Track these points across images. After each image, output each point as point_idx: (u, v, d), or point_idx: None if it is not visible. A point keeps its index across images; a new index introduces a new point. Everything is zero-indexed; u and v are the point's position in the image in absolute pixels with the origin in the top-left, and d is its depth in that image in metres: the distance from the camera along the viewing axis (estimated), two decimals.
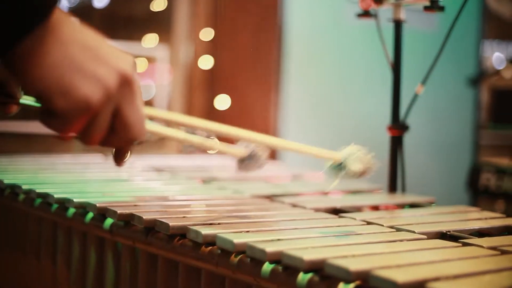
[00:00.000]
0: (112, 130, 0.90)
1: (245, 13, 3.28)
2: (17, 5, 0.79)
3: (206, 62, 3.34)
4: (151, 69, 3.32)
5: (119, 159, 0.99)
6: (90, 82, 0.84)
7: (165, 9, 3.34)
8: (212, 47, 3.35)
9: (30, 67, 0.82)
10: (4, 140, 3.05)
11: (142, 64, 3.29)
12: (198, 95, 3.37)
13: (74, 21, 0.86)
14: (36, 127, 2.85)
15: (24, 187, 1.44)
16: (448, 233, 1.13)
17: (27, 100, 0.98)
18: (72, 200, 1.29)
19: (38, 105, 0.86)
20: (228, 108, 3.31)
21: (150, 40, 3.32)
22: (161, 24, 3.38)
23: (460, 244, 1.04)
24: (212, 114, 3.31)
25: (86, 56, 0.85)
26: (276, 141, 1.17)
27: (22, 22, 0.79)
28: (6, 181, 1.49)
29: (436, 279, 0.81)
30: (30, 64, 0.81)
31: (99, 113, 0.87)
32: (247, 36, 3.28)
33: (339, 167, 1.15)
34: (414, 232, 1.11)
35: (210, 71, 3.35)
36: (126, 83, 0.88)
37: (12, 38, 0.80)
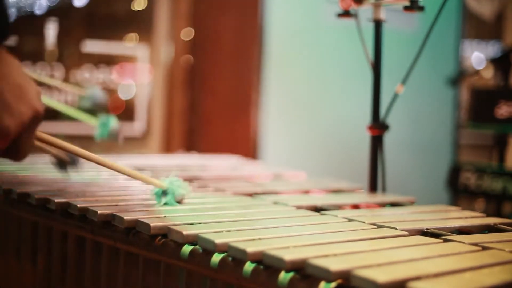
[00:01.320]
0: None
1: (226, 13, 3.28)
2: None
3: (187, 61, 3.34)
4: (131, 69, 3.31)
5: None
6: (12, 116, 1.02)
7: (145, 8, 3.33)
8: (192, 47, 3.35)
9: None
10: None
11: (122, 63, 3.28)
12: (178, 94, 3.37)
13: (10, 58, 1.03)
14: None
15: (4, 187, 1.43)
16: (429, 230, 1.13)
17: None
18: (53, 200, 1.29)
19: None
20: (208, 108, 3.31)
21: (131, 39, 3.31)
22: (141, 23, 3.37)
23: (441, 241, 1.04)
24: (192, 113, 3.31)
25: (13, 94, 1.02)
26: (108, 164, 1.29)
27: None
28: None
29: (417, 278, 0.81)
30: None
31: (10, 140, 1.04)
32: (227, 36, 3.28)
33: (164, 192, 1.29)
34: (395, 229, 1.11)
35: (191, 70, 3.35)
36: (36, 119, 1.06)
37: None
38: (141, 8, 3.33)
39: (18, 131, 1.04)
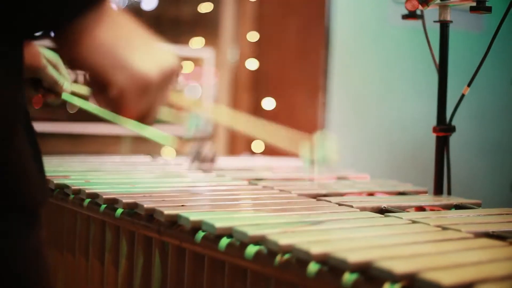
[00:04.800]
0: None
1: (291, 15, 3.29)
2: None
3: (252, 64, 3.36)
4: (197, 71, 3.34)
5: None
6: (148, 63, 0.92)
7: (211, 11, 3.36)
8: (257, 49, 3.36)
9: (93, 42, 0.87)
10: (54, 141, 3.10)
11: (188, 66, 3.31)
12: (243, 96, 3.38)
13: (126, 15, 0.93)
14: (85, 128, 2.92)
15: (74, 187, 1.46)
16: (494, 233, 1.12)
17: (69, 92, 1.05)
18: (121, 201, 1.31)
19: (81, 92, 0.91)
20: (274, 110, 3.32)
21: (197, 42, 3.35)
22: (207, 26, 3.40)
23: (508, 244, 1.03)
24: (258, 115, 3.32)
25: (141, 43, 0.93)
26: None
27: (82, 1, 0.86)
28: (56, 181, 1.52)
29: (483, 280, 0.81)
30: (94, 39, 0.87)
31: (151, 92, 0.93)
32: (292, 38, 3.29)
33: (315, 158, 1.26)
34: (460, 231, 1.10)
35: (256, 72, 3.36)
36: (173, 76, 0.96)
37: (72, 14, 0.85)
38: (207, 11, 3.35)
39: (159, 81, 0.94)
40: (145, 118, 0.98)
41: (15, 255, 0.93)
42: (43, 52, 1.43)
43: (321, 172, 1.22)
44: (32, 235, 0.96)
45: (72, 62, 0.91)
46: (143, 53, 0.92)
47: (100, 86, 0.92)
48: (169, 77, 0.96)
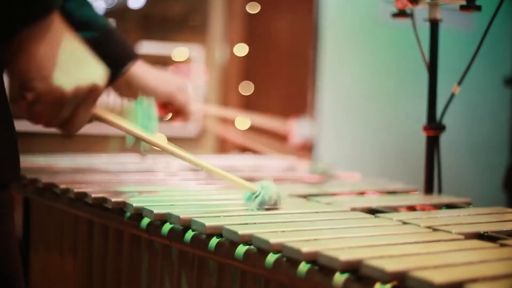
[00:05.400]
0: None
1: (280, 13, 3.28)
2: (26, 4, 0.95)
3: (241, 62, 3.35)
4: (186, 69, 3.33)
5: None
6: (67, 78, 1.00)
7: (200, 10, 3.35)
8: (247, 47, 3.36)
9: (25, 51, 0.97)
10: (42, 140, 3.09)
11: (178, 64, 3.30)
12: (232, 94, 3.38)
13: (70, 32, 1.03)
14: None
15: (62, 186, 1.45)
16: (485, 233, 1.12)
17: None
18: (110, 200, 1.30)
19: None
20: (263, 109, 3.32)
21: (185, 40, 3.34)
22: (196, 25, 3.39)
23: (498, 245, 1.03)
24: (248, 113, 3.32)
25: (70, 59, 1.01)
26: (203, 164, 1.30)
27: (28, 14, 0.96)
28: (44, 181, 1.51)
29: (474, 280, 0.80)
30: (26, 49, 0.97)
31: (65, 105, 1.02)
32: (282, 36, 3.29)
33: (255, 196, 1.27)
34: (451, 232, 1.10)
35: (245, 71, 3.36)
36: (93, 92, 1.04)
37: (16, 26, 0.96)
38: (196, 9, 3.35)
39: (72, 95, 1.01)
40: (65, 128, 1.07)
41: None
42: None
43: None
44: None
45: (9, 70, 1.01)
46: (66, 69, 1.00)
47: (21, 90, 1.01)
48: (87, 94, 1.03)
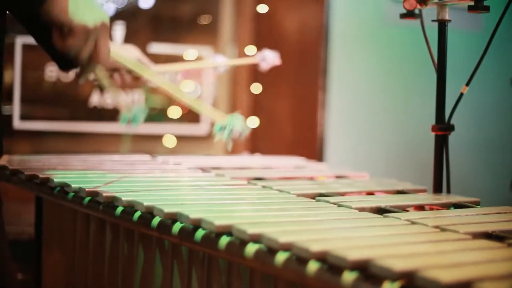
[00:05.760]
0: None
1: (289, 13, 3.29)
2: None
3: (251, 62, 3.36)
4: (196, 70, 3.34)
5: (80, 76, 1.49)
6: (87, 16, 1.40)
7: (210, 10, 3.36)
8: (256, 48, 3.36)
9: (52, 9, 1.38)
10: (54, 139, 3.10)
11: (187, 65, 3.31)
12: (242, 95, 3.39)
13: None
14: (85, 127, 2.92)
15: (74, 185, 1.46)
16: (493, 233, 1.12)
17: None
18: (120, 199, 1.31)
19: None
20: (274, 109, 3.32)
21: (195, 41, 3.35)
22: (206, 25, 3.40)
23: (506, 245, 1.04)
24: (258, 114, 3.33)
25: (85, 4, 1.40)
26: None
27: None
28: (56, 180, 1.52)
29: (481, 279, 0.81)
30: (52, 8, 1.38)
31: (89, 36, 1.40)
32: (292, 36, 3.29)
33: (224, 128, 1.45)
34: (458, 232, 1.11)
35: (255, 71, 3.37)
36: (104, 26, 1.42)
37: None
38: (206, 10, 3.35)
39: (93, 27, 1.39)
40: (94, 59, 1.43)
41: None
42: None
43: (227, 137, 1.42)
44: None
45: (47, 18, 1.39)
46: (83, 12, 1.39)
47: (60, 29, 1.40)
48: (101, 27, 1.41)
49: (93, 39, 1.41)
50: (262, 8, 3.33)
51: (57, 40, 1.41)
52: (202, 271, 1.19)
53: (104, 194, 1.35)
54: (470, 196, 1.50)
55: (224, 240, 1.09)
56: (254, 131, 3.25)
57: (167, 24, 3.36)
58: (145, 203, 1.26)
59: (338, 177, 1.81)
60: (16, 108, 2.94)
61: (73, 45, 1.40)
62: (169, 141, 3.19)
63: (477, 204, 1.47)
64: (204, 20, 3.40)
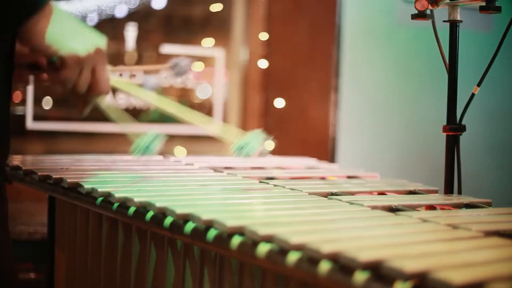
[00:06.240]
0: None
1: (301, 15, 3.29)
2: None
3: (262, 63, 3.36)
4: (208, 71, 3.35)
5: (82, 108, 1.45)
6: (78, 44, 1.31)
7: (222, 11, 3.36)
8: (268, 49, 3.37)
9: (37, 32, 1.26)
10: (67, 140, 3.12)
11: (199, 66, 3.32)
12: (254, 96, 3.39)
13: (67, 12, 1.32)
14: (97, 127, 2.94)
15: (87, 186, 1.47)
16: (505, 233, 1.12)
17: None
18: (133, 200, 1.32)
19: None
20: (285, 109, 3.33)
21: (207, 42, 3.35)
22: (217, 26, 3.41)
23: None
24: (269, 115, 3.33)
25: (74, 31, 1.31)
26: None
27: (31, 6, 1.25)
28: (69, 180, 1.53)
29: (494, 279, 0.81)
30: (37, 30, 1.26)
31: (84, 66, 1.32)
32: (303, 37, 3.29)
33: (242, 147, 1.41)
34: (471, 230, 1.11)
35: (266, 72, 3.37)
36: (99, 52, 1.33)
37: (27, 14, 1.24)
38: (217, 10, 3.36)
39: (86, 56, 1.31)
40: (94, 89, 1.36)
41: None
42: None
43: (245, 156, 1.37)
44: None
45: (28, 44, 1.29)
46: (75, 39, 1.30)
47: (50, 63, 1.32)
48: (96, 55, 1.32)
49: (89, 68, 1.33)
50: (274, 9, 3.34)
51: (50, 73, 1.35)
52: (214, 271, 1.20)
53: (116, 195, 1.36)
54: (482, 197, 1.50)
55: (235, 241, 1.10)
56: (265, 131, 3.24)
57: (179, 25, 3.37)
58: (157, 204, 1.26)
59: (349, 177, 1.82)
60: (29, 108, 2.95)
61: (67, 78, 1.32)
62: (180, 153, 3.19)
63: (489, 205, 1.47)
64: (216, 20, 3.40)
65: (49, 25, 1.26)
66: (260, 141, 1.42)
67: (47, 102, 3.02)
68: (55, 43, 1.27)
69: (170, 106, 1.58)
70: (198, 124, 1.56)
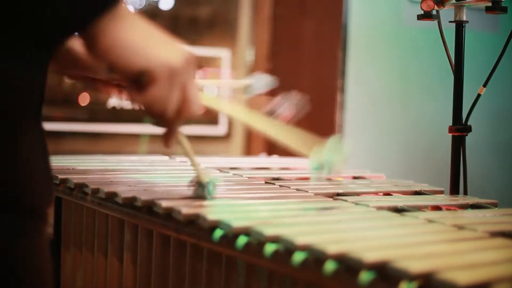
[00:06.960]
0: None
1: (307, 15, 3.29)
2: None
3: (268, 64, 3.36)
4: (214, 72, 3.35)
5: (168, 140, 1.16)
6: (167, 53, 1.00)
7: (228, 12, 3.37)
8: (273, 49, 3.37)
9: (106, 39, 0.95)
10: (73, 140, 3.12)
11: (205, 67, 3.32)
12: (259, 97, 3.39)
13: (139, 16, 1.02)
14: (103, 127, 2.94)
15: (92, 186, 1.47)
16: (511, 233, 1.12)
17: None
18: (140, 199, 1.32)
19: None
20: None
21: (213, 42, 3.36)
22: (223, 27, 3.41)
23: None
24: (274, 116, 3.33)
25: (158, 37, 1.02)
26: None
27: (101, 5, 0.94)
28: (74, 181, 1.53)
29: (500, 280, 0.81)
30: (107, 36, 0.95)
31: (175, 81, 1.01)
32: (309, 38, 3.30)
33: (322, 166, 1.32)
34: (477, 230, 1.11)
35: (272, 73, 3.37)
36: (190, 63, 1.04)
37: (92, 16, 0.94)
38: (224, 11, 3.36)
39: (180, 65, 1.02)
40: (183, 112, 1.06)
41: (19, 254, 0.96)
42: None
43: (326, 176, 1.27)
44: (37, 236, 1.00)
45: (99, 57, 0.97)
46: (162, 45, 1.01)
47: (130, 78, 0.99)
48: (191, 65, 1.04)
49: (179, 84, 1.02)
50: (280, 10, 3.34)
51: (132, 93, 1.02)
52: (220, 272, 1.20)
53: (123, 196, 1.36)
54: (488, 198, 1.50)
55: (242, 241, 1.10)
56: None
57: (186, 25, 3.37)
58: (163, 204, 1.27)
59: (355, 177, 1.81)
60: None
61: (157, 98, 1.01)
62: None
63: (495, 205, 1.47)
64: (223, 21, 3.40)
65: (125, 30, 0.97)
66: (339, 152, 1.31)
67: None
68: (139, 53, 0.97)
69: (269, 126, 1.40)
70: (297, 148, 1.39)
